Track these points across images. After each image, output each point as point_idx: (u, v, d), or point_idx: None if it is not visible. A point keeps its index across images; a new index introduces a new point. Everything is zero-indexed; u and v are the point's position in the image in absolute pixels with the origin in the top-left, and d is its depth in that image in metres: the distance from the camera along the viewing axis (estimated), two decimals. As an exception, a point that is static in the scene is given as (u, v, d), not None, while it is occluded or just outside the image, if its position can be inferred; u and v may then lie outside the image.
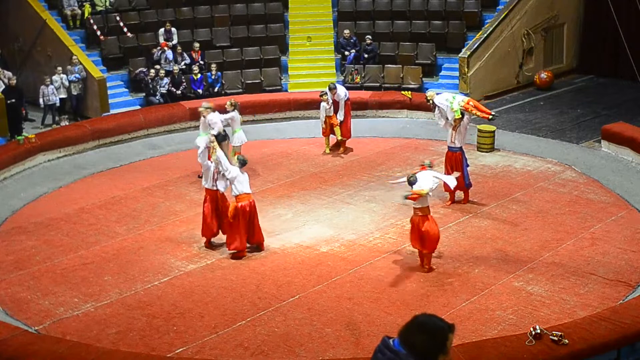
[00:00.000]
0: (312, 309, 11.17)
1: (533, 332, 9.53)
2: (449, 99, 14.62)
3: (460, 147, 14.60)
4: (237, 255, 12.81)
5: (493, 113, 15.10)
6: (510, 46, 22.43)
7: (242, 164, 12.77)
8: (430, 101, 14.89)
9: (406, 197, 11.89)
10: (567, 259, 12.53)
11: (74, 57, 20.92)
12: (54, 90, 20.44)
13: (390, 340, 4.42)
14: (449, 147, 14.74)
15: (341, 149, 17.90)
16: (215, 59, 22.42)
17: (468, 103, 14.53)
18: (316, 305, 11.27)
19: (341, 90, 17.73)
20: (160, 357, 9.92)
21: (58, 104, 20.70)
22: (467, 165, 14.72)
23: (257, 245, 13.09)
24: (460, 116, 14.34)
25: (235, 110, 16.03)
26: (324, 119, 17.61)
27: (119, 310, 11.27)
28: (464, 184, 14.59)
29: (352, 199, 15.26)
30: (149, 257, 12.94)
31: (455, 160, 14.64)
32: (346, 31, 22.78)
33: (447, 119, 14.57)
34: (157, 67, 21.42)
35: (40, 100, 20.41)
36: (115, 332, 10.71)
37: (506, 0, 22.78)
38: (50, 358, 9.48)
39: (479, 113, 14.68)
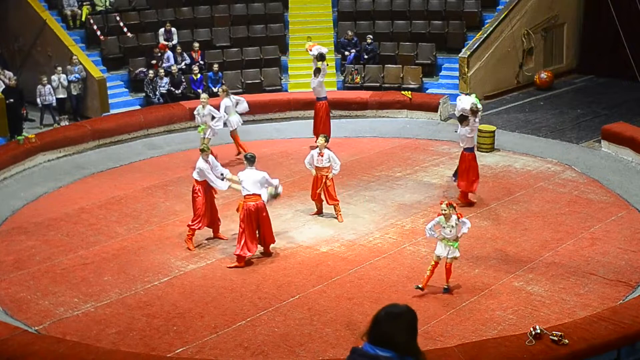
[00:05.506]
0: (312, 309, 11.16)
1: (533, 332, 9.53)
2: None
3: (466, 148, 14.63)
4: (237, 264, 12.51)
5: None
6: (510, 46, 22.43)
7: (249, 160, 12.58)
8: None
9: None
10: (567, 259, 12.53)
11: (74, 57, 20.91)
12: (50, 90, 20.40)
13: (361, 348, 4.14)
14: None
15: None
16: (215, 59, 22.41)
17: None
18: (316, 305, 11.27)
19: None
20: (160, 357, 9.92)
21: (54, 104, 20.64)
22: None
23: (264, 249, 12.86)
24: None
25: (228, 96, 16.90)
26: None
27: (119, 310, 11.27)
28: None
29: (352, 199, 15.25)
30: (149, 257, 12.94)
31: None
32: (349, 32, 22.78)
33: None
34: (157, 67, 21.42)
35: (38, 100, 20.39)
36: (115, 332, 10.71)
37: (506, 0, 22.77)
38: (50, 358, 9.48)
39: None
